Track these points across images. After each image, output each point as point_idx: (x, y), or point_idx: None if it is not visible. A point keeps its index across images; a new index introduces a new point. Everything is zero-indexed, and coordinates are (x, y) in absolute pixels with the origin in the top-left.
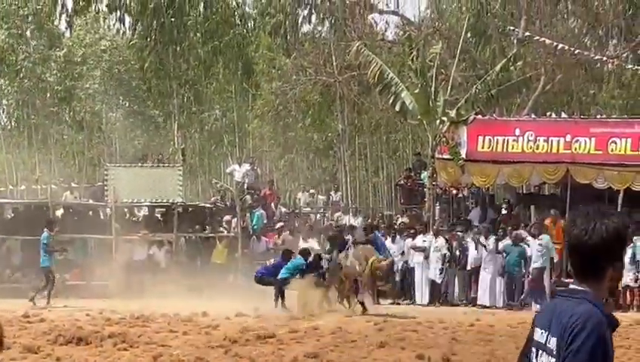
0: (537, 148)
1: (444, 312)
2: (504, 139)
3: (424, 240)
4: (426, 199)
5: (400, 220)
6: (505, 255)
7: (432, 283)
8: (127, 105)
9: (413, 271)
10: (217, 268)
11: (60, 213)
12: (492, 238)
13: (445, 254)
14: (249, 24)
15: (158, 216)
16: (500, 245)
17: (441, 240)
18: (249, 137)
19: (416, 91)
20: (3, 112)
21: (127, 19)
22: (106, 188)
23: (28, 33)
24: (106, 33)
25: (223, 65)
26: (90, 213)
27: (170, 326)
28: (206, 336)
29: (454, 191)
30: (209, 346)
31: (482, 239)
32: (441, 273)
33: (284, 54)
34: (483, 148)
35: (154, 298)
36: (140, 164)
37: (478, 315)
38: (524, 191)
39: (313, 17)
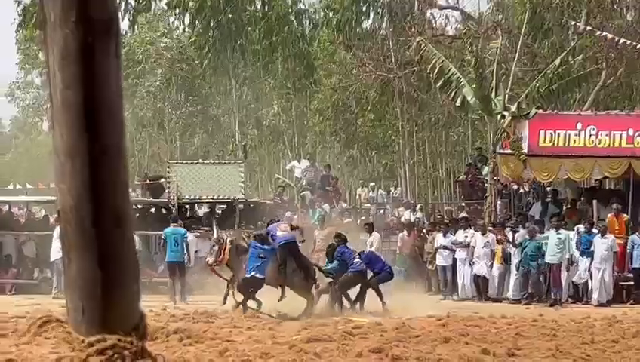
0: (599, 143)
1: (484, 308)
2: (566, 134)
3: (465, 236)
4: (487, 194)
5: (460, 215)
6: (522, 248)
7: (477, 279)
8: (187, 102)
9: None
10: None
11: None
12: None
13: (493, 250)
14: (305, 20)
15: (219, 212)
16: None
17: (491, 236)
18: (308, 133)
19: (477, 86)
20: None
21: (187, 17)
22: (168, 185)
23: None
24: (166, 31)
25: (281, 61)
26: (153, 209)
27: (234, 322)
28: (270, 332)
29: (515, 186)
30: (274, 342)
31: (510, 235)
32: (490, 269)
33: (343, 50)
34: (545, 142)
35: (216, 294)
36: (201, 161)
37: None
38: (586, 186)
39: (372, 13)
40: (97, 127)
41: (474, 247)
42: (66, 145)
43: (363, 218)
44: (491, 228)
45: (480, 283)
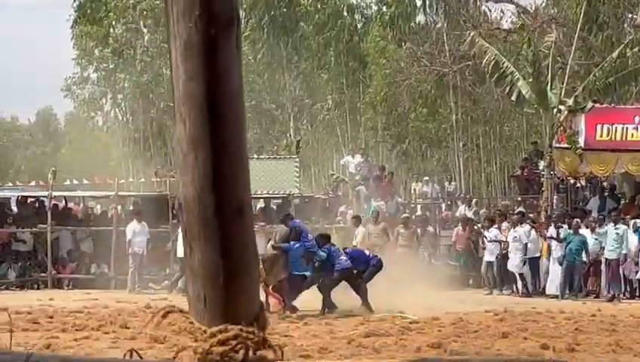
0: None
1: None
2: (623, 127)
3: (524, 231)
4: (543, 189)
5: (517, 210)
6: (566, 244)
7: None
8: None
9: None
10: None
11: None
12: (564, 227)
13: (526, 244)
14: (357, 15)
15: (274, 207)
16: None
17: (520, 231)
18: (361, 128)
19: (532, 80)
20: (120, 106)
21: (241, 12)
22: None
23: (145, 28)
24: None
25: (334, 56)
26: None
27: (292, 317)
28: (328, 327)
29: (572, 181)
30: (332, 337)
31: (551, 230)
32: (524, 264)
33: (396, 44)
34: (601, 136)
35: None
36: (256, 156)
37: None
38: None
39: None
40: (219, 119)
41: (507, 242)
42: (188, 136)
43: (419, 213)
44: (532, 223)
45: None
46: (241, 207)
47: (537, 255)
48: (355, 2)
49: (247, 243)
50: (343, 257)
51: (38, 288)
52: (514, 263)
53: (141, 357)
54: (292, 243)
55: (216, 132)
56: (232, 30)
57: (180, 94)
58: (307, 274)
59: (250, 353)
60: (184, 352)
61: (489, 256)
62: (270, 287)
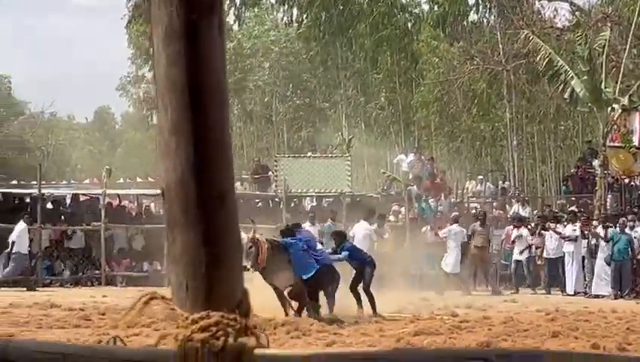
0: None
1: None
2: None
3: (574, 229)
4: (597, 188)
5: (570, 209)
6: (613, 243)
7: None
8: (294, 96)
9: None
10: (385, 257)
11: None
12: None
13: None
14: (406, 15)
15: (326, 205)
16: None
17: (567, 228)
18: (414, 127)
19: (586, 78)
20: None
21: (295, 11)
22: (275, 178)
23: None
24: (273, 25)
25: (387, 55)
26: (260, 203)
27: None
28: (377, 325)
29: (626, 180)
30: (381, 335)
31: (600, 229)
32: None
33: (448, 43)
34: None
35: None
36: (309, 155)
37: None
38: None
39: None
40: (202, 105)
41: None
42: (170, 123)
43: (473, 211)
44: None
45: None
46: (223, 194)
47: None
48: (405, 1)
49: (229, 231)
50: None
51: (91, 285)
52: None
53: (125, 344)
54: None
55: (197, 119)
56: (213, 15)
57: (161, 81)
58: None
59: (231, 339)
60: (167, 339)
61: (517, 254)
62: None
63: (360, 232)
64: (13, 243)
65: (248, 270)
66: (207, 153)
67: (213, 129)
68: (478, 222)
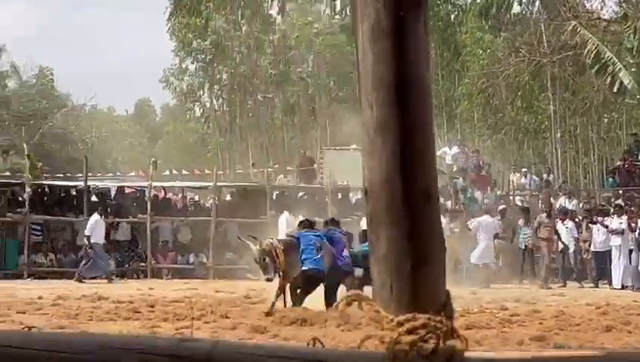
0: None
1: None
2: None
3: (620, 222)
4: None
5: (616, 202)
6: None
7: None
8: (338, 88)
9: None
10: None
11: (275, 194)
12: None
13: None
14: (449, 5)
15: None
16: None
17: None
18: (457, 119)
19: (635, 70)
20: (217, 97)
21: (339, 2)
22: (321, 171)
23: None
24: (318, 17)
25: (431, 46)
26: (305, 196)
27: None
28: None
29: None
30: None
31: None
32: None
33: (493, 34)
34: None
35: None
36: (354, 147)
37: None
38: None
39: None
40: (407, 103)
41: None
42: (375, 121)
43: (518, 204)
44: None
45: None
46: (428, 192)
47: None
48: None
49: (434, 229)
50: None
51: (137, 277)
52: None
53: (323, 345)
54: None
55: (403, 116)
56: (420, 11)
57: (366, 78)
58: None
59: (440, 342)
60: (369, 341)
61: (564, 247)
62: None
63: None
64: (88, 237)
65: (271, 280)
66: (412, 151)
67: (419, 126)
68: (545, 214)
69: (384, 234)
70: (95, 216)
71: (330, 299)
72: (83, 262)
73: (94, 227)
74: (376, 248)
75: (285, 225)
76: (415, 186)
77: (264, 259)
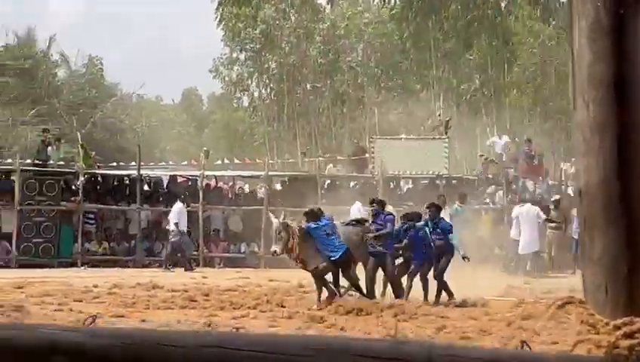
0: None
1: None
2: None
3: None
4: None
5: None
6: None
7: None
8: (387, 78)
9: None
10: (483, 241)
11: (327, 183)
12: None
13: None
14: None
15: (421, 188)
16: None
17: None
18: (506, 108)
19: None
20: (265, 87)
21: None
22: (372, 160)
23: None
24: (368, 7)
25: (479, 35)
26: (356, 185)
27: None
28: (483, 308)
29: None
30: (490, 319)
31: None
32: None
33: (543, 22)
34: None
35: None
36: (405, 136)
37: None
38: None
39: None
40: (627, 102)
41: None
42: (592, 120)
43: (570, 193)
44: None
45: None
46: None
47: None
48: None
49: None
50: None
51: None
52: None
53: (530, 349)
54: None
55: (622, 115)
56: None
57: (583, 76)
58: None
59: None
60: (582, 344)
61: None
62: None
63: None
64: (176, 224)
65: (277, 254)
66: (631, 150)
67: (638, 125)
68: None
69: (599, 236)
70: (179, 204)
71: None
72: (168, 250)
73: (179, 215)
74: (591, 250)
75: (357, 213)
76: (633, 187)
77: (280, 232)
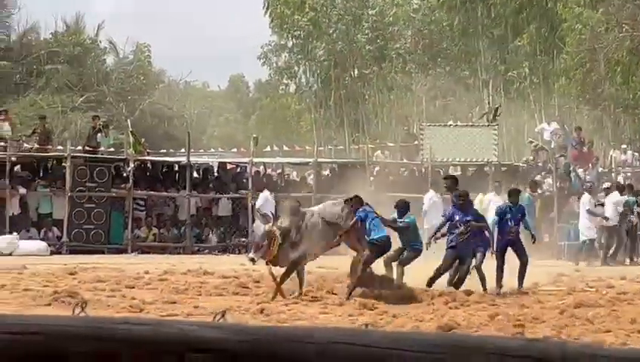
0: None
1: None
2: None
3: None
4: None
5: None
6: None
7: None
8: (435, 65)
9: None
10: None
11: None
12: None
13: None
14: None
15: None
16: None
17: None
18: (555, 95)
19: None
20: (313, 74)
21: None
22: (421, 147)
23: None
24: None
25: (528, 22)
26: (405, 172)
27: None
28: (534, 296)
29: None
30: (542, 307)
31: None
32: None
33: (592, 9)
34: None
35: None
36: (454, 124)
37: None
38: None
39: None
40: None
41: None
42: None
43: (620, 181)
44: None
45: None
46: None
47: None
48: None
49: None
50: None
51: (238, 253)
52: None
53: None
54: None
55: None
56: None
57: None
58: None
59: None
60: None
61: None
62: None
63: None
64: (258, 210)
65: (254, 262)
66: None
67: None
68: None
69: None
70: (265, 193)
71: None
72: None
73: (265, 203)
74: None
75: (430, 203)
76: None
77: (265, 240)
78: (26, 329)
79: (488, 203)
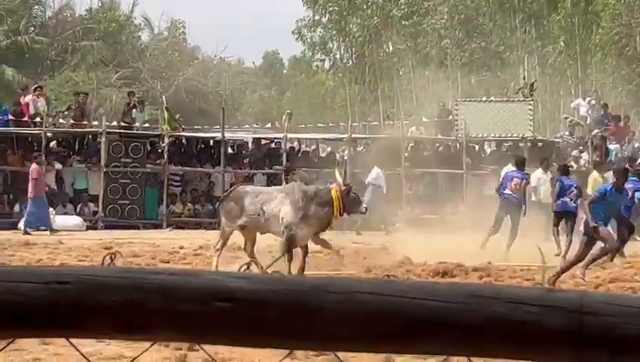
0: None
1: None
2: None
3: None
4: None
5: None
6: None
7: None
8: (470, 40)
9: None
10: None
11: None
12: None
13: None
14: None
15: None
16: None
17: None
18: (591, 70)
19: None
20: (347, 49)
21: None
22: (456, 122)
23: None
24: None
25: None
26: (440, 147)
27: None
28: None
29: None
30: (575, 283)
31: None
32: None
33: None
34: None
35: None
36: (485, 99)
37: None
38: None
39: None
40: None
41: None
42: None
43: None
44: None
45: None
46: None
47: None
48: None
49: None
50: None
51: None
52: None
53: None
54: None
55: None
56: None
57: None
58: None
59: None
60: None
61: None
62: None
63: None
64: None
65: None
66: None
67: None
68: None
69: None
70: (376, 169)
71: None
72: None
73: (377, 178)
74: None
75: (538, 181)
76: None
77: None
78: (55, 278)
79: (537, 180)
